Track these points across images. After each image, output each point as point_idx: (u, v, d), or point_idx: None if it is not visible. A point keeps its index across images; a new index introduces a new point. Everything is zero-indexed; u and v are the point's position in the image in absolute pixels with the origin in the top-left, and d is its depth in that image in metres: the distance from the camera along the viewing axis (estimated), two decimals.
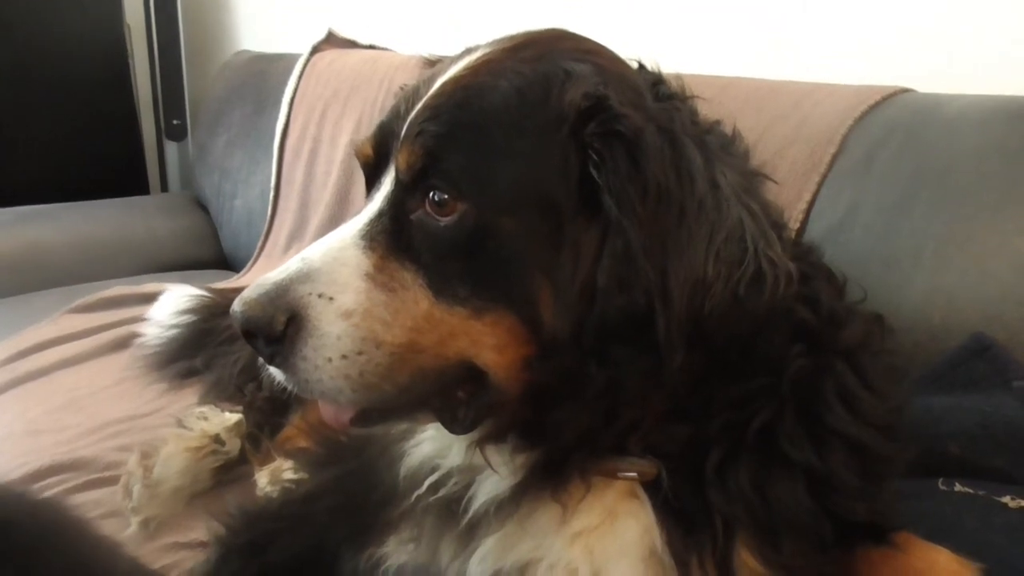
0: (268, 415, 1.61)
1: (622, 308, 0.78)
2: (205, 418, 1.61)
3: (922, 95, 1.56)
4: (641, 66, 0.95)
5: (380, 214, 0.84)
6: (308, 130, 2.56)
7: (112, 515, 1.43)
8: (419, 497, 0.97)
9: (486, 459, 0.89)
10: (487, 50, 0.88)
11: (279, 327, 0.78)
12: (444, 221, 0.80)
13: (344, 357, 0.78)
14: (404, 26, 2.74)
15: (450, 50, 0.96)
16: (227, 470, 1.57)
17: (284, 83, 2.65)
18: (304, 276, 0.80)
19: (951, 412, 1.18)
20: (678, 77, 0.96)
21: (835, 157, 1.53)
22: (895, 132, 1.48)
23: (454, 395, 0.85)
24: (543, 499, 0.89)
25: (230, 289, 2.13)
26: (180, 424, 1.60)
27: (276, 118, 2.63)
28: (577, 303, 0.80)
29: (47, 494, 1.46)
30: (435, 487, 0.96)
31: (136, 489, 1.44)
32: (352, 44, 2.73)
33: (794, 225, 1.49)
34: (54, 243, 2.65)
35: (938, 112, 1.46)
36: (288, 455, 1.45)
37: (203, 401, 1.74)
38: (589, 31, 0.94)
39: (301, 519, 1.11)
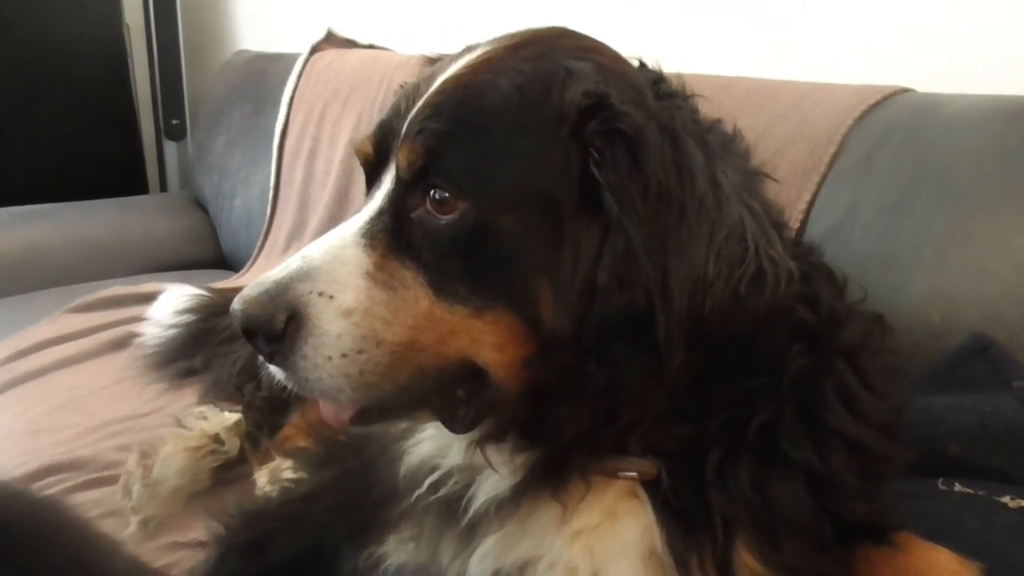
0: (267, 414, 1.61)
1: (622, 307, 0.78)
2: (204, 417, 1.61)
3: (922, 95, 1.56)
4: (642, 65, 0.95)
5: (380, 212, 0.84)
6: (307, 130, 2.56)
7: (111, 514, 1.43)
8: (419, 496, 0.97)
9: (486, 458, 0.89)
10: (488, 48, 0.88)
11: (279, 325, 0.78)
12: (444, 219, 0.80)
13: (344, 355, 0.78)
14: (403, 26, 2.74)
15: (450, 49, 0.96)
16: (226, 470, 1.57)
17: (283, 83, 2.65)
18: (304, 274, 0.80)
19: (951, 412, 1.18)
20: (679, 76, 0.96)
21: (835, 157, 1.53)
22: (895, 132, 1.48)
23: (454, 394, 0.85)
24: (543, 498, 0.89)
25: (229, 289, 2.13)
26: (179, 424, 1.60)
27: (275, 118, 2.63)
28: (577, 302, 0.79)
29: (46, 493, 1.45)
30: (435, 486, 0.95)
31: (135, 489, 1.44)
32: (351, 44, 2.73)
33: (794, 224, 1.49)
34: (53, 243, 2.65)
35: (938, 112, 1.46)
36: (287, 454, 1.45)
37: (202, 401, 1.74)
38: (589, 30, 0.94)
39: (300, 518, 1.11)
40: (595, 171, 0.79)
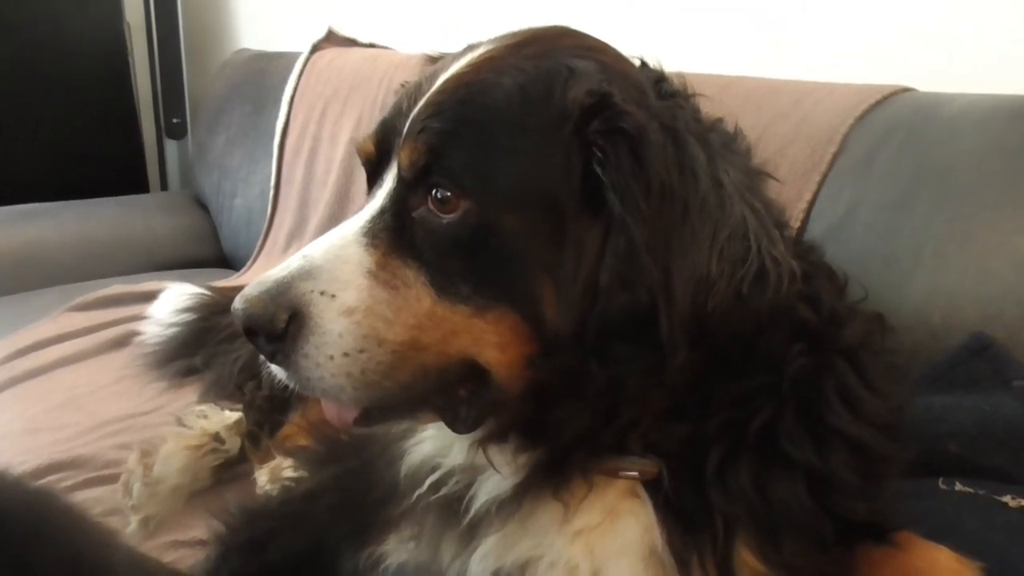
0: (268, 413, 1.61)
1: (624, 306, 0.78)
2: (205, 416, 1.61)
3: (923, 94, 1.56)
4: (644, 64, 0.95)
5: (382, 211, 0.84)
6: (308, 129, 2.56)
7: (112, 513, 1.42)
8: (420, 496, 0.97)
9: (488, 458, 0.89)
10: (490, 47, 0.88)
11: (281, 324, 0.78)
12: (447, 218, 0.80)
13: (346, 355, 0.78)
14: (404, 25, 2.74)
15: (450, 49, 0.96)
16: (227, 468, 1.57)
17: (284, 81, 2.65)
18: (306, 273, 0.80)
19: (951, 411, 1.18)
20: (680, 75, 0.96)
21: (836, 156, 1.53)
22: (896, 131, 1.48)
23: (456, 393, 0.84)
24: (544, 498, 0.89)
25: (230, 288, 2.13)
26: (180, 422, 1.60)
27: (276, 117, 2.63)
28: (579, 301, 0.79)
29: None
30: (436, 486, 0.95)
31: (136, 487, 1.44)
32: (352, 43, 2.73)
33: (795, 224, 1.49)
34: (54, 241, 2.65)
35: (939, 111, 1.46)
36: (288, 453, 1.44)
37: (203, 399, 1.74)
38: (590, 29, 0.94)
39: (301, 517, 1.11)
40: (598, 170, 0.79)
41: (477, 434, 0.88)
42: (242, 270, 2.64)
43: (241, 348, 1.76)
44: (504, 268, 0.80)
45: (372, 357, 0.79)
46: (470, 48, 0.90)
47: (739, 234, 0.80)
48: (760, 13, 1.91)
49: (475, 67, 0.85)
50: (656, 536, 0.87)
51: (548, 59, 0.84)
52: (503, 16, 2.40)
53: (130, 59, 3.17)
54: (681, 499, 0.87)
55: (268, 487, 1.42)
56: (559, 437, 0.85)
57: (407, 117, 0.85)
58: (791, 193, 1.51)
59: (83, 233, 2.71)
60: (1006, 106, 1.40)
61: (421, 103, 0.84)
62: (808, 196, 1.53)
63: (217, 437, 1.56)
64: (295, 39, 2.86)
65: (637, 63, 0.95)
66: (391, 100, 0.92)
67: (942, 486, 1.09)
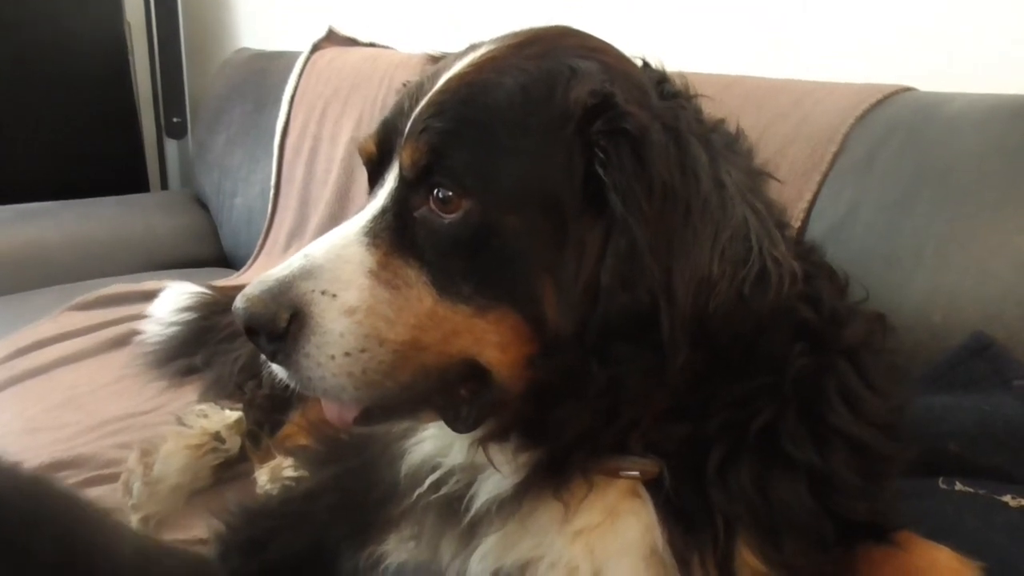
0: (268, 413, 1.61)
1: (626, 306, 0.78)
2: (205, 415, 1.61)
3: (923, 94, 1.56)
4: (645, 64, 0.95)
5: (383, 211, 0.84)
6: (308, 128, 2.56)
7: (112, 512, 1.42)
8: (420, 495, 0.97)
9: (488, 458, 0.89)
10: (491, 47, 0.88)
11: (282, 324, 0.78)
12: (448, 218, 0.80)
13: (347, 354, 0.78)
14: (404, 24, 2.74)
15: (450, 48, 0.96)
16: (227, 468, 1.57)
17: (284, 81, 2.65)
18: (307, 273, 0.80)
19: (951, 411, 1.18)
20: (681, 75, 0.96)
21: (836, 156, 1.53)
22: (896, 131, 1.48)
23: (457, 393, 0.84)
24: (545, 498, 0.89)
25: (230, 287, 2.13)
26: (180, 422, 1.60)
27: (276, 116, 2.63)
28: (581, 301, 0.79)
29: None
30: (436, 485, 0.95)
31: (136, 486, 1.44)
32: (352, 42, 2.73)
33: (795, 224, 1.49)
34: (54, 241, 2.65)
35: (939, 111, 1.46)
36: (288, 453, 1.44)
37: (203, 398, 1.74)
38: (591, 29, 0.94)
39: (301, 517, 1.11)
40: (600, 171, 0.79)
41: (478, 433, 0.88)
42: (242, 269, 2.64)
43: (241, 347, 1.76)
44: (505, 268, 0.80)
45: (373, 357, 0.79)
46: (472, 48, 0.90)
47: (741, 235, 0.80)
48: (760, 13, 1.91)
49: (477, 67, 0.85)
50: (657, 536, 0.87)
51: (550, 59, 0.84)
52: (504, 16, 2.40)
53: (130, 58, 3.16)
54: (682, 499, 0.87)
55: (268, 486, 1.42)
56: (560, 437, 0.85)
57: (409, 117, 0.85)
58: (791, 193, 1.51)
59: (83, 233, 2.71)
60: (1006, 106, 1.40)
61: (423, 103, 0.84)
62: (808, 196, 1.53)
63: (217, 436, 1.56)
64: (295, 38, 2.86)
65: (639, 63, 0.95)
66: (392, 100, 0.91)
67: (942, 486, 1.09)
